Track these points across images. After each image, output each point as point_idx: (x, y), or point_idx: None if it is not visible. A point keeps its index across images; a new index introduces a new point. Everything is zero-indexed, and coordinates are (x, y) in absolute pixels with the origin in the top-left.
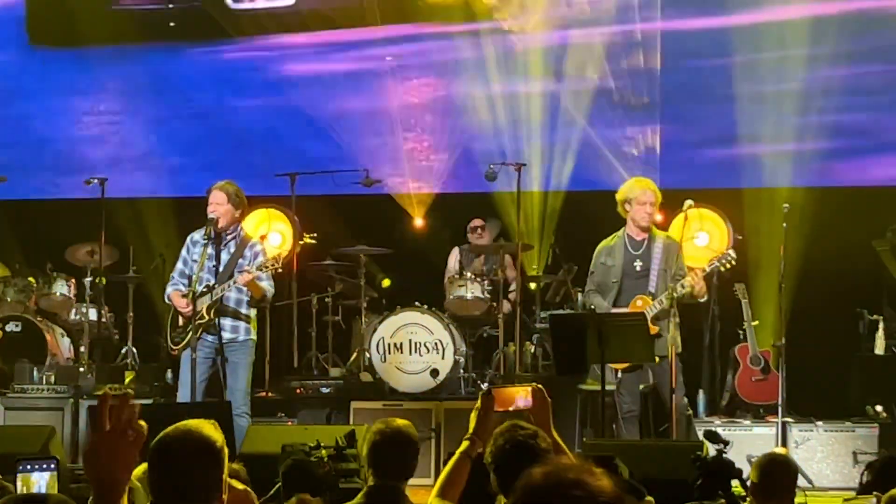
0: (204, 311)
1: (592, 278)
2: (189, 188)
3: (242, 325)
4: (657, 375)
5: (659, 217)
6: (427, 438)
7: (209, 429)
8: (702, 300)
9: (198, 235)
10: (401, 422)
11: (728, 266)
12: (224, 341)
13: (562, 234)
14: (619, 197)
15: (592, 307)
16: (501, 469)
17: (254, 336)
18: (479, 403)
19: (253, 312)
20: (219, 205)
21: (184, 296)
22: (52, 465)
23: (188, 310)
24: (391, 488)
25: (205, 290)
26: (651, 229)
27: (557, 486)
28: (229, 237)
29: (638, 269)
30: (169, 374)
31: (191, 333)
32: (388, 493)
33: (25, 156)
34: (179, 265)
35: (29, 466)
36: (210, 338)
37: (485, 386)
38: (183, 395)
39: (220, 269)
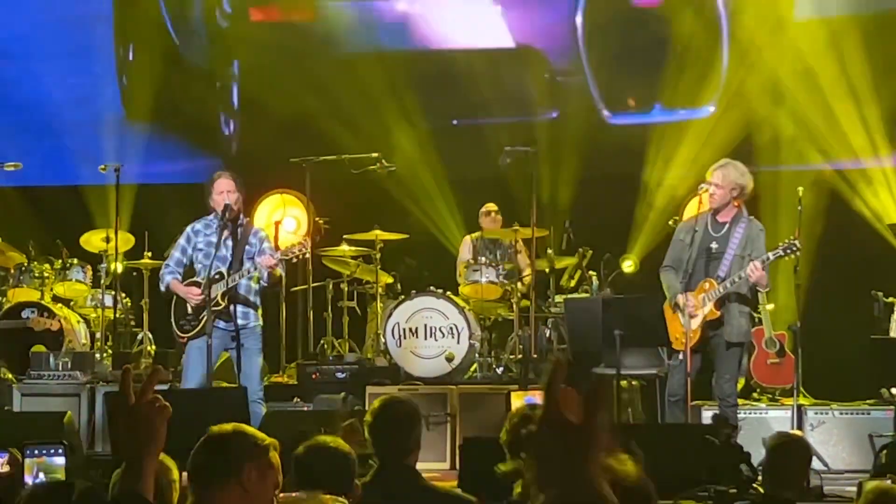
0: (219, 298)
1: (669, 254)
2: None
3: (252, 311)
4: (712, 361)
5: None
6: (442, 423)
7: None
8: (764, 290)
9: (199, 224)
10: (396, 396)
11: (793, 255)
12: (238, 327)
13: (577, 218)
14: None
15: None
16: (517, 450)
17: (261, 322)
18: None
19: (259, 300)
20: (230, 192)
21: (193, 283)
22: (60, 451)
23: (200, 297)
24: (399, 466)
25: (216, 276)
26: (739, 212)
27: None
28: (235, 225)
29: (713, 250)
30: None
31: (205, 320)
32: (397, 471)
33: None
34: (177, 254)
35: (37, 452)
36: (222, 324)
37: (500, 370)
38: (193, 384)
39: (229, 256)
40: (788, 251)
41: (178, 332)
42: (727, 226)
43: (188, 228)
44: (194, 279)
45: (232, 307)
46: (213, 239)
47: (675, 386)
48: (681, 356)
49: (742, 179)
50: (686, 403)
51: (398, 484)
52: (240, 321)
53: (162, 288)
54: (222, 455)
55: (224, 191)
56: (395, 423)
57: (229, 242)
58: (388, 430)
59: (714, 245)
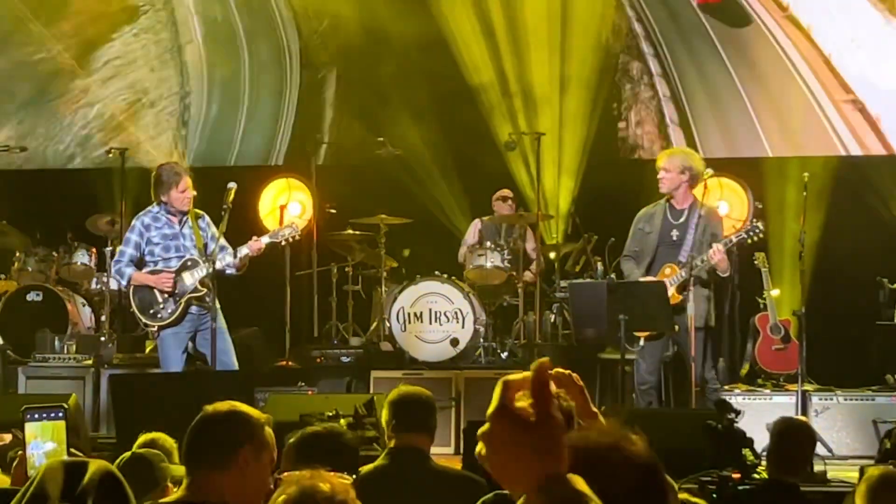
0: (198, 285)
1: (629, 244)
2: None
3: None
4: (679, 346)
5: None
6: (447, 407)
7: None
8: (724, 275)
9: (147, 218)
10: (419, 388)
11: (755, 239)
12: (209, 309)
13: (582, 204)
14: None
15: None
16: None
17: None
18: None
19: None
20: (189, 189)
21: (154, 272)
22: (60, 414)
23: (169, 284)
24: (413, 448)
25: (188, 263)
26: (695, 199)
27: (595, 450)
28: (184, 215)
29: (674, 237)
30: (189, 344)
31: (182, 307)
32: (411, 452)
33: None
34: (129, 250)
35: (37, 416)
36: (195, 309)
37: (505, 355)
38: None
39: (189, 245)
40: (751, 233)
41: (149, 322)
42: (685, 213)
43: (137, 224)
44: (155, 269)
45: (208, 292)
46: (168, 231)
47: (645, 374)
48: (641, 342)
49: (689, 161)
50: (659, 391)
51: (411, 465)
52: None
53: (123, 282)
54: (217, 435)
55: (188, 187)
56: (414, 409)
57: (186, 231)
58: (407, 415)
59: (675, 233)
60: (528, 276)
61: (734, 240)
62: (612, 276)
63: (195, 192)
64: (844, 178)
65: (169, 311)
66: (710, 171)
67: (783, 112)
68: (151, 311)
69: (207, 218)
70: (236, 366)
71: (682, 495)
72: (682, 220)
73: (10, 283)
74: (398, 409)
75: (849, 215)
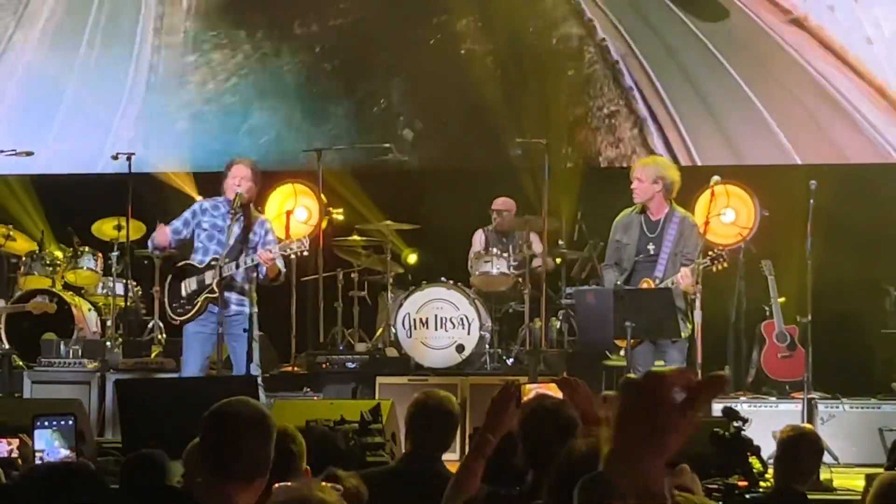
0: (214, 286)
1: (609, 253)
2: None
3: (246, 299)
4: (664, 356)
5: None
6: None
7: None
8: (692, 296)
9: (207, 203)
10: (442, 393)
11: (720, 268)
12: (232, 314)
13: (588, 210)
14: None
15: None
16: (529, 438)
17: (256, 309)
18: (497, 395)
19: (253, 288)
20: (244, 179)
21: (188, 264)
22: (70, 422)
23: (163, 238)
24: (428, 456)
25: (212, 262)
26: (671, 206)
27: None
28: (241, 213)
29: (651, 251)
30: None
31: (199, 306)
32: (425, 460)
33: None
34: (177, 224)
35: (46, 423)
36: (216, 310)
37: (510, 361)
38: (191, 371)
39: (231, 244)
40: (716, 262)
41: (172, 315)
42: (661, 223)
43: (196, 205)
44: (195, 256)
45: (227, 295)
46: (220, 222)
47: None
48: (622, 352)
49: (661, 172)
50: None
51: (425, 471)
52: (235, 308)
53: (149, 245)
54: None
55: (239, 177)
56: (437, 419)
57: (235, 230)
58: (429, 422)
59: (651, 246)
60: (549, 263)
61: (700, 266)
62: (619, 283)
63: (251, 183)
64: (852, 185)
65: (186, 307)
66: (717, 178)
67: (790, 117)
68: (174, 305)
69: (268, 225)
70: (258, 372)
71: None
72: (657, 231)
73: (48, 305)
74: (413, 424)
75: (855, 222)
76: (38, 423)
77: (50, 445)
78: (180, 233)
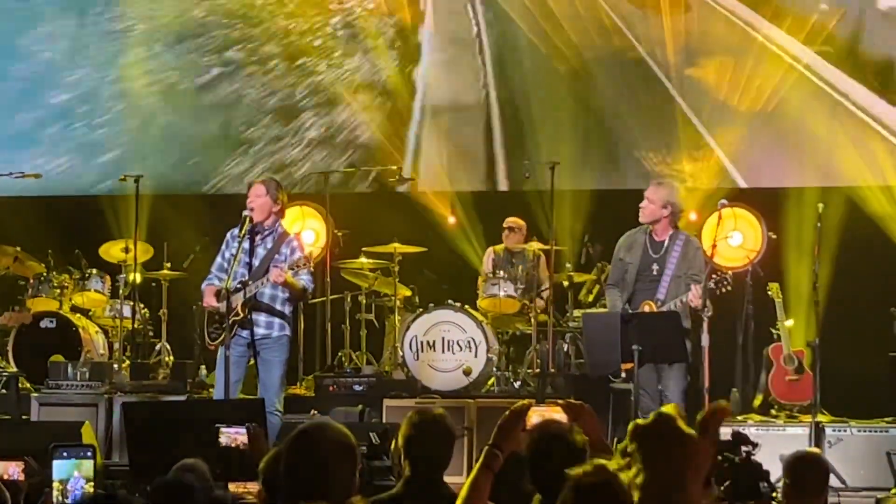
0: (239, 308)
1: (612, 273)
2: None
3: (276, 321)
4: (662, 379)
5: (693, 216)
6: (460, 437)
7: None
8: (703, 315)
9: (237, 230)
10: (437, 412)
11: (723, 291)
12: (258, 337)
13: (596, 233)
14: None
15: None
16: (537, 462)
17: (289, 332)
18: (507, 414)
19: (288, 309)
20: (257, 197)
21: (216, 292)
22: (90, 454)
23: (217, 306)
24: (429, 479)
25: (238, 286)
26: (675, 229)
27: (606, 486)
28: (267, 233)
29: (654, 272)
30: (203, 371)
31: (227, 330)
32: (427, 483)
33: None
34: (218, 259)
35: (66, 454)
36: (245, 333)
37: (517, 384)
38: (217, 393)
39: (256, 264)
40: (719, 285)
41: (207, 340)
42: (665, 245)
43: (227, 234)
44: (218, 286)
45: (253, 316)
46: (246, 246)
47: (649, 402)
48: (623, 374)
49: (673, 198)
50: None
51: (428, 493)
52: (262, 331)
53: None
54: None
55: (252, 196)
56: (432, 438)
57: (260, 251)
58: (426, 443)
59: (655, 267)
60: (539, 303)
61: (710, 286)
62: (627, 306)
63: (265, 200)
64: (860, 208)
65: (218, 332)
66: (724, 202)
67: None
68: (209, 330)
69: (295, 243)
70: (273, 405)
71: None
72: (661, 252)
73: (23, 315)
74: (412, 445)
75: (863, 245)
76: (57, 454)
77: (70, 475)
78: (223, 268)
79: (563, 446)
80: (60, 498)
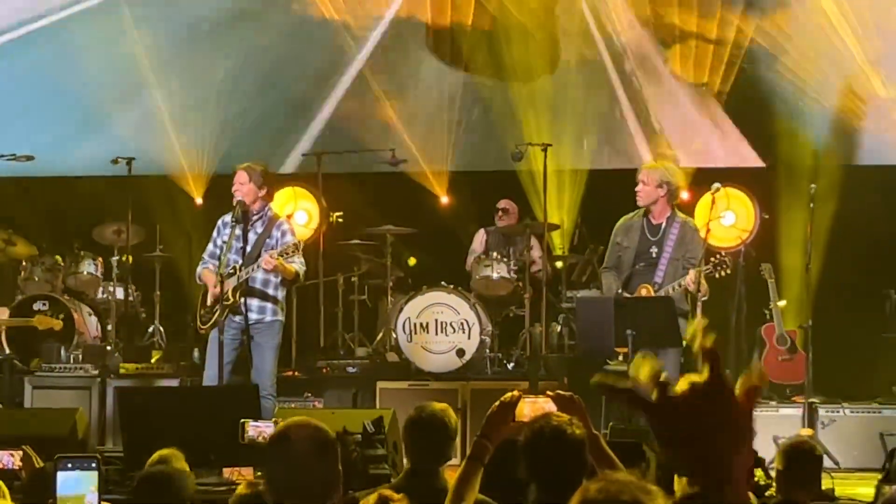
0: (230, 293)
1: (608, 256)
2: None
3: (269, 305)
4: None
5: (686, 195)
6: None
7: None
8: (700, 298)
9: (228, 217)
10: (437, 406)
11: (722, 274)
12: (251, 322)
13: (588, 214)
14: None
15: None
16: (533, 454)
17: (281, 317)
18: (496, 405)
19: (281, 293)
20: (241, 184)
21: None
22: (94, 465)
23: (216, 290)
24: (429, 471)
25: (231, 271)
26: (672, 211)
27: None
28: (256, 217)
29: (653, 255)
30: (196, 354)
31: (217, 314)
32: (427, 475)
33: None
34: (210, 247)
35: (70, 465)
36: (237, 319)
37: (511, 366)
38: (209, 377)
39: (248, 249)
40: (718, 268)
41: (199, 323)
42: (662, 227)
43: (219, 221)
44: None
45: (244, 301)
46: (238, 231)
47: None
48: (620, 357)
49: (668, 176)
50: None
51: (426, 487)
52: (254, 315)
53: (196, 279)
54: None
55: (237, 183)
56: (434, 433)
57: (251, 236)
58: (425, 437)
59: (653, 250)
60: (534, 273)
61: (704, 271)
62: (622, 290)
63: (249, 186)
64: (852, 188)
65: (209, 316)
66: (717, 185)
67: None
68: (201, 313)
69: (286, 226)
70: (266, 389)
71: None
72: (659, 235)
73: (53, 321)
74: (412, 439)
75: (856, 225)
76: (62, 466)
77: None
78: (216, 255)
79: (560, 439)
80: None
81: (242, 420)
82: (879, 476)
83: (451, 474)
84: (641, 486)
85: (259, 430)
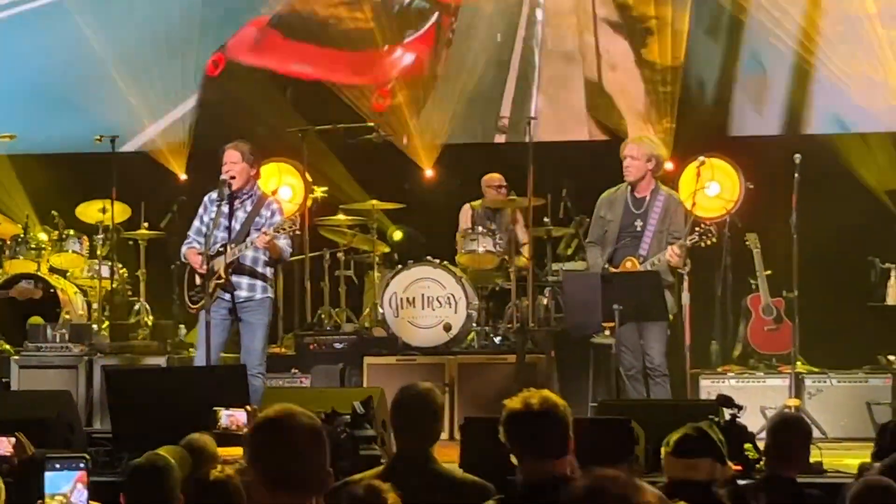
0: (221, 272)
1: (592, 230)
2: None
3: (259, 283)
4: (644, 336)
5: (670, 166)
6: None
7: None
8: (682, 270)
9: (215, 195)
10: (422, 386)
11: (707, 243)
12: (240, 300)
13: (573, 186)
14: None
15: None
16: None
17: (271, 294)
18: None
19: (270, 271)
20: (234, 164)
21: (199, 254)
22: (82, 465)
23: (203, 269)
24: (417, 451)
25: (220, 249)
26: (656, 184)
27: (602, 500)
28: (245, 196)
29: (638, 228)
30: (182, 331)
31: (208, 295)
32: (415, 456)
33: None
34: (196, 223)
35: (58, 465)
36: (227, 297)
37: (498, 340)
38: (200, 357)
39: (236, 228)
40: (703, 237)
41: (188, 303)
42: (646, 201)
43: (205, 198)
44: (200, 250)
45: (235, 279)
46: (225, 209)
47: (631, 359)
48: (607, 332)
49: (656, 150)
50: (645, 376)
51: (415, 469)
52: (245, 293)
53: (181, 257)
54: None
55: (228, 163)
56: (420, 413)
57: (240, 214)
58: (411, 419)
59: (638, 223)
60: (521, 260)
61: (688, 243)
62: (607, 265)
63: (242, 166)
64: (836, 157)
65: (199, 295)
66: (702, 158)
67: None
68: (190, 293)
69: (275, 206)
70: (255, 367)
71: None
72: (643, 208)
73: (33, 291)
74: (398, 419)
75: (841, 194)
76: (49, 466)
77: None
78: (202, 232)
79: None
80: None
81: (215, 408)
82: (866, 447)
83: (440, 452)
84: (630, 481)
85: (232, 418)
